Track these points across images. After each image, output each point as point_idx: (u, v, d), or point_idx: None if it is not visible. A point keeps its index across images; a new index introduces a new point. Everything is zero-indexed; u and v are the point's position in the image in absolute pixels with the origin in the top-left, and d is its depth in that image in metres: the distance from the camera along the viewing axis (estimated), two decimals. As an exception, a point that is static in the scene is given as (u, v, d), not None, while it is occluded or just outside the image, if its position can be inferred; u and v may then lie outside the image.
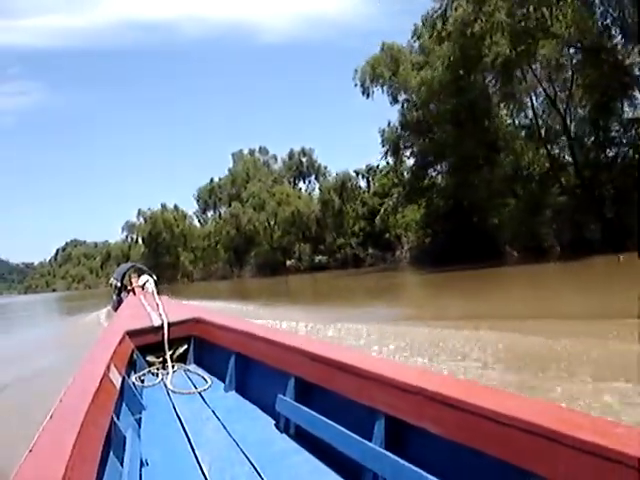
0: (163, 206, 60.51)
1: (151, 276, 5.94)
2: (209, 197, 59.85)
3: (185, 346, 3.36)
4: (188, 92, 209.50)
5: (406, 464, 1.41)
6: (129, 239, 76.64)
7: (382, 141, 30.41)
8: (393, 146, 29.57)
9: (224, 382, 2.79)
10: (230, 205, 52.90)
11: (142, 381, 2.92)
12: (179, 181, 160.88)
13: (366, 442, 1.59)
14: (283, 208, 46.89)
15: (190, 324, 3.40)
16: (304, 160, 54.08)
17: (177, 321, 3.38)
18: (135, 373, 2.96)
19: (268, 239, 50.24)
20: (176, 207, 61.21)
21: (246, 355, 2.71)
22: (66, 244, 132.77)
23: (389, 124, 29.52)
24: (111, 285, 6.96)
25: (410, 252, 40.26)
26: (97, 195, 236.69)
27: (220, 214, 59.14)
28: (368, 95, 29.03)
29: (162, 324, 3.31)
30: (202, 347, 3.32)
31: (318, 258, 46.54)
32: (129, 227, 75.33)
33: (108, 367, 2.18)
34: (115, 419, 1.88)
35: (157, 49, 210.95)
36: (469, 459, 1.30)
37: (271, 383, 2.31)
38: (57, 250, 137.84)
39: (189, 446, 1.99)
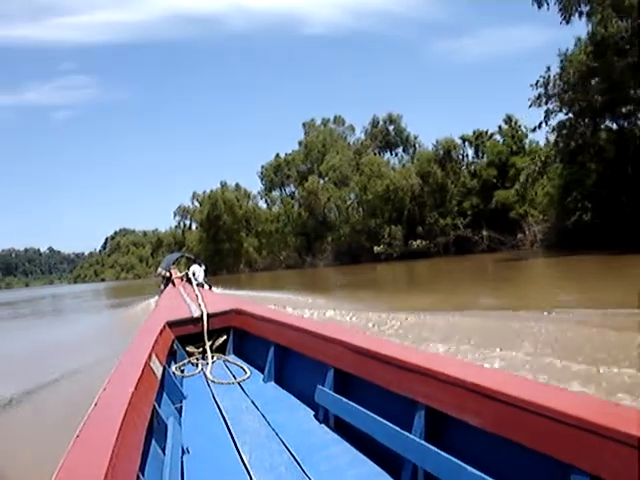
0: (223, 185, 53.07)
1: (200, 265, 6.58)
2: (275, 174, 52.05)
3: (224, 337, 3.42)
4: (238, 80, 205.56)
5: (446, 456, 1.38)
6: (181, 225, 70.63)
7: (560, 73, 21.54)
8: (585, 73, 20.37)
9: (263, 373, 2.81)
10: (306, 180, 44.75)
11: (182, 371, 2.99)
12: (235, 166, 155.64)
13: (406, 433, 1.56)
14: (374, 182, 38.44)
15: (229, 315, 3.43)
16: (391, 129, 45.50)
17: (217, 312, 3.43)
18: (175, 363, 3.04)
19: (352, 220, 42.02)
20: (238, 186, 53.78)
21: (285, 346, 2.72)
22: (115, 233, 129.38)
23: (577, 43, 20.57)
24: (159, 274, 6.81)
25: (545, 233, 31.46)
26: (148, 184, 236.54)
27: (290, 193, 51.33)
28: (540, 5, 20.36)
29: (202, 315, 3.36)
30: (241, 338, 3.38)
31: (416, 243, 38.01)
32: (182, 212, 69.23)
33: (149, 357, 2.20)
34: (157, 408, 1.90)
35: (205, 41, 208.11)
36: (510, 452, 1.28)
37: (310, 374, 2.32)
38: (106, 239, 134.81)
39: (229, 435, 2.02)
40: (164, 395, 2.29)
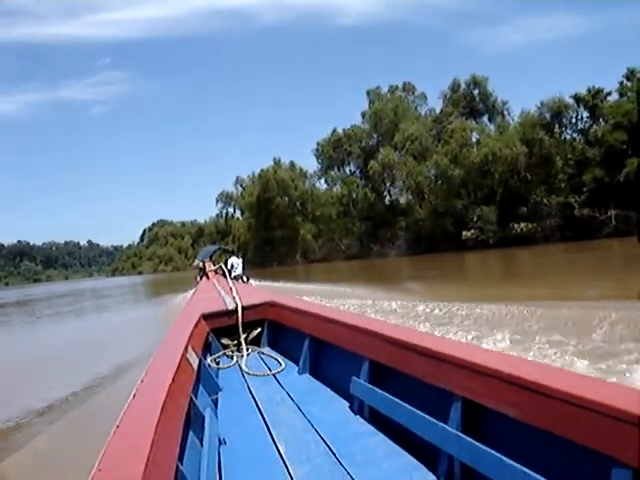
0: (276, 163, 47.06)
1: (238, 257, 6.84)
2: (334, 151, 45.68)
3: (259, 329, 3.42)
4: (271, 70, 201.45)
5: (483, 447, 1.38)
6: (224, 213, 65.14)
7: None
8: None
9: (298, 365, 2.80)
10: (373, 155, 38.27)
11: (217, 363, 3.02)
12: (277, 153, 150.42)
13: (442, 425, 1.55)
14: (468, 152, 31.64)
15: (264, 308, 3.44)
16: (475, 93, 38.51)
17: (251, 304, 3.44)
18: (211, 355, 3.08)
19: (434, 200, 35.33)
20: (293, 164, 47.66)
21: (320, 338, 2.71)
22: (153, 224, 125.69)
23: None
24: (197, 267, 6.86)
25: None
26: (186, 176, 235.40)
27: (352, 172, 44.90)
28: None
29: (236, 307, 3.37)
30: (276, 330, 3.39)
31: (519, 226, 31.08)
32: (225, 198, 63.70)
33: (185, 349, 2.23)
34: (194, 399, 1.94)
35: (239, 33, 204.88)
36: (547, 443, 1.27)
37: (345, 366, 2.31)
38: (144, 231, 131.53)
39: (265, 427, 2.03)
40: (200, 387, 2.33)
